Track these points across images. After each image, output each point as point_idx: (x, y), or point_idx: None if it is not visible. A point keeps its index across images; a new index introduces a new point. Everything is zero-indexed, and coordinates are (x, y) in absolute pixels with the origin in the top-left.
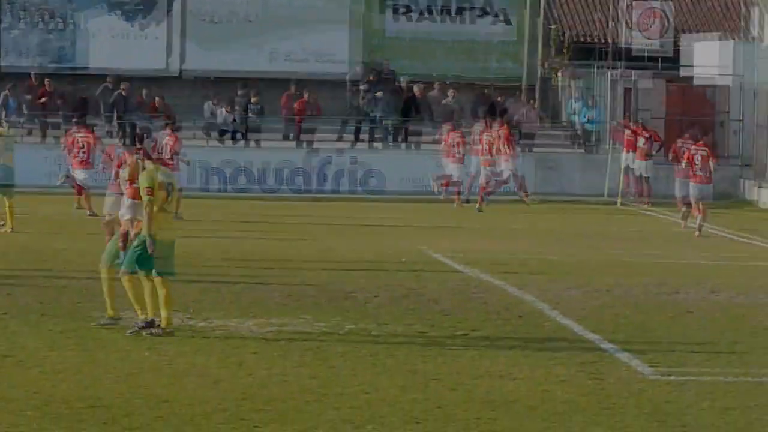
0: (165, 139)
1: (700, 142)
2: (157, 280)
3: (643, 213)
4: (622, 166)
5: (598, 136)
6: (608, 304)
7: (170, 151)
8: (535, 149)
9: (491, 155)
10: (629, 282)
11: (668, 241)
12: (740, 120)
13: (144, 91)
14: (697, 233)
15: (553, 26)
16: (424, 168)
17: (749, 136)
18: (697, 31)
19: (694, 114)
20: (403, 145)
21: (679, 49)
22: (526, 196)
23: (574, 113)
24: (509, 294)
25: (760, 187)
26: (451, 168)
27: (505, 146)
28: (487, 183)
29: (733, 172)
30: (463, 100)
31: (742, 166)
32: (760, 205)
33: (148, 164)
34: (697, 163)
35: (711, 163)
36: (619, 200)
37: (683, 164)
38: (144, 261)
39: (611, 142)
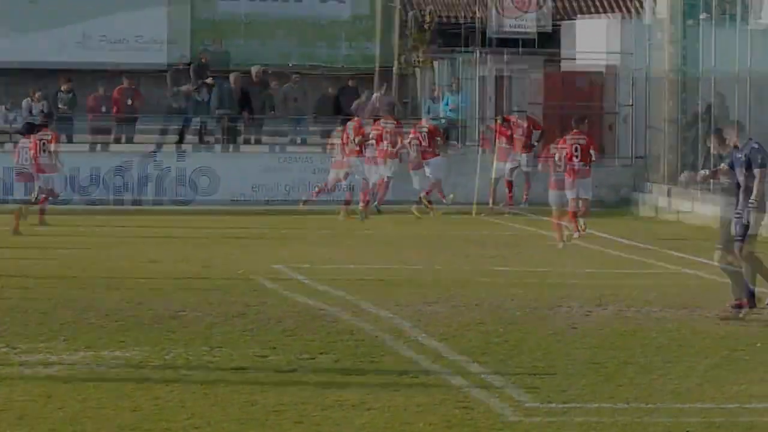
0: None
1: (577, 131)
2: None
3: (518, 215)
4: (494, 177)
5: (464, 130)
6: (478, 320)
7: (49, 149)
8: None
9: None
10: (502, 295)
11: (547, 248)
12: (629, 105)
13: None
14: (577, 235)
15: (412, 10)
16: (264, 169)
17: (641, 128)
18: (590, 14)
19: (577, 102)
20: (240, 141)
21: (559, 30)
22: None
23: (431, 115)
24: (363, 311)
25: (650, 186)
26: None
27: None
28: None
29: (619, 170)
30: (307, 87)
31: (632, 162)
32: (649, 209)
33: None
34: (576, 154)
35: (591, 152)
36: (490, 204)
37: (558, 162)
38: None
39: (481, 148)
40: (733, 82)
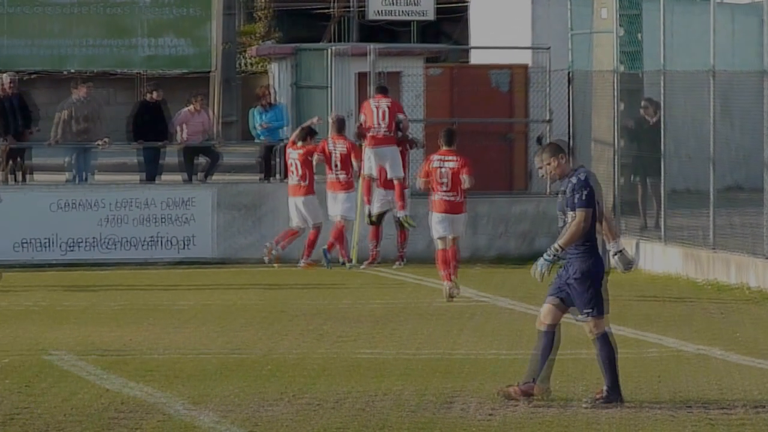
0: None
1: (446, 149)
2: None
3: (392, 276)
4: (358, 212)
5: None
6: (336, 425)
7: None
8: (214, 177)
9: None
10: (371, 388)
11: (430, 319)
12: (547, 121)
13: None
14: (449, 296)
15: None
16: (33, 218)
17: (580, 142)
18: None
19: (477, 111)
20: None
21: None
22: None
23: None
24: (175, 415)
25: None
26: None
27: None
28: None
29: (549, 200)
30: (102, 98)
31: (547, 197)
32: None
33: None
34: (443, 181)
35: (464, 177)
36: (353, 258)
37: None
38: None
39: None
40: (688, 81)
